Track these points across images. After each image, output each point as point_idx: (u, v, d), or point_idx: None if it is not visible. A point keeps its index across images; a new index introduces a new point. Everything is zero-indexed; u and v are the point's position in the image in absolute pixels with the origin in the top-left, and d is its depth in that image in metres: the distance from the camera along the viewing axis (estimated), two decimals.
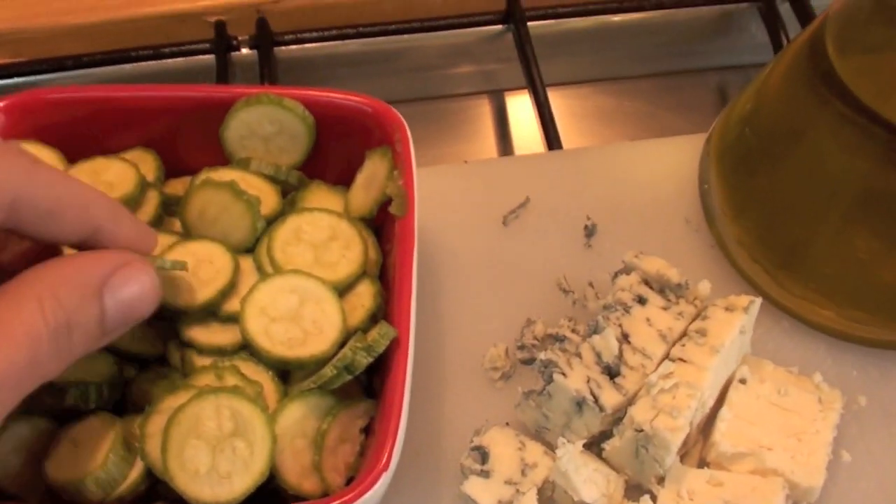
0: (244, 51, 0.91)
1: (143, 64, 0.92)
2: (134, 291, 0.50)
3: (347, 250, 0.62)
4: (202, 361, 0.59)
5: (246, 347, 0.58)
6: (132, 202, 0.64)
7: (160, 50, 0.91)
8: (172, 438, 0.54)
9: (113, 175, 0.65)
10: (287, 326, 0.58)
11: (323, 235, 0.63)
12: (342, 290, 0.61)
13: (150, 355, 0.60)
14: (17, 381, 0.45)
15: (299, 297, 0.59)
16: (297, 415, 0.56)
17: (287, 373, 0.59)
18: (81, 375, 0.57)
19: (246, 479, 0.53)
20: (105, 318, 0.49)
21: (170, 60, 0.92)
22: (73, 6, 0.93)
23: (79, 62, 0.91)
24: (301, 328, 0.58)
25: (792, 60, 0.70)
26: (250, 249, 0.63)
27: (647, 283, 0.66)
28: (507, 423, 0.65)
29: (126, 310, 0.50)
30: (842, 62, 0.64)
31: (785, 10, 0.93)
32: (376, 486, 0.53)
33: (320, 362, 0.57)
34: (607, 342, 0.62)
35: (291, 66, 0.91)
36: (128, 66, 0.92)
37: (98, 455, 0.55)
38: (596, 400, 0.61)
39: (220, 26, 0.91)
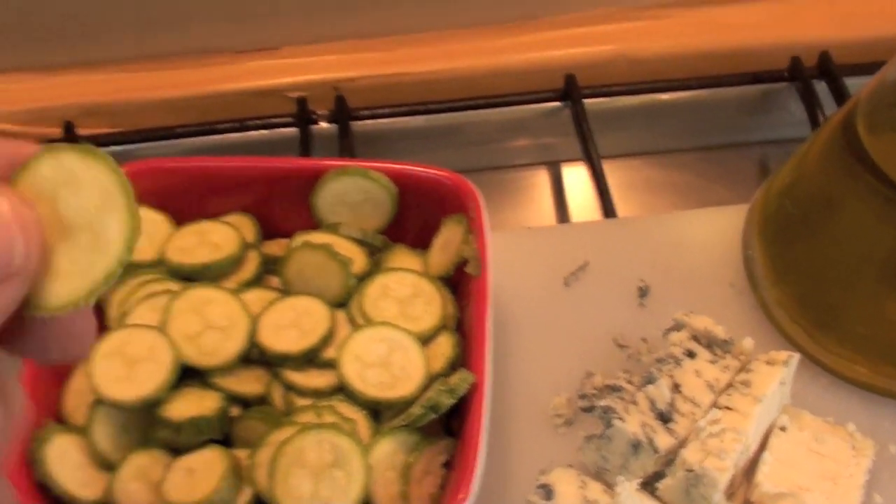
0: (323, 124, 0.99)
1: (229, 135, 0.99)
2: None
3: (429, 305, 0.69)
4: (302, 402, 0.66)
5: (342, 389, 0.66)
6: (236, 261, 0.72)
7: (245, 122, 0.99)
8: (279, 468, 0.61)
9: (218, 237, 0.72)
10: (378, 371, 0.65)
11: (407, 292, 0.70)
12: (425, 340, 0.68)
13: (254, 396, 0.67)
14: None
15: (388, 345, 0.66)
16: (388, 449, 0.63)
17: (377, 412, 0.66)
18: (194, 412, 0.64)
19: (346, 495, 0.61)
20: None
21: (254, 133, 0.99)
22: (166, 82, 1.00)
23: (170, 133, 0.99)
24: (390, 373, 0.65)
25: (827, 138, 0.76)
26: (343, 304, 0.70)
27: (695, 339, 0.73)
28: (570, 465, 0.72)
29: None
30: (871, 140, 0.71)
31: (821, 88, 0.99)
32: None
33: (407, 403, 0.64)
34: (661, 391, 0.69)
35: (366, 138, 0.98)
36: (215, 137, 0.99)
37: (211, 481, 0.62)
38: (651, 442, 0.67)
39: (301, 102, 0.99)
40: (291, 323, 0.67)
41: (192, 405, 0.64)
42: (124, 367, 0.65)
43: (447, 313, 0.70)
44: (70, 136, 0.97)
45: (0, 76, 1.00)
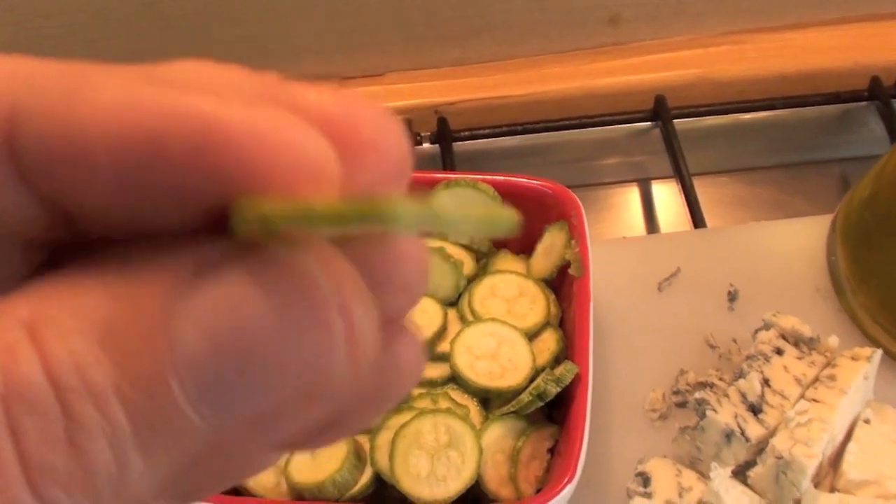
0: (426, 145, 1.05)
1: None
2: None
3: (534, 304, 0.75)
4: (417, 391, 0.72)
5: (454, 379, 0.71)
6: None
7: None
8: (399, 449, 0.66)
9: None
10: (488, 363, 0.71)
11: (513, 292, 0.76)
12: (531, 335, 0.73)
13: None
14: None
15: (497, 339, 0.72)
16: (498, 434, 0.69)
17: (487, 401, 0.72)
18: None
19: (458, 482, 0.66)
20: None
21: None
22: None
23: None
24: (499, 364, 0.71)
25: None
26: (454, 303, 0.76)
27: (783, 337, 0.78)
28: (665, 455, 0.77)
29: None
30: None
31: None
32: (561, 495, 0.64)
33: (515, 392, 0.70)
34: (751, 384, 0.74)
35: (466, 157, 1.04)
36: None
37: (335, 463, 0.68)
38: (742, 432, 0.72)
39: (405, 125, 1.05)
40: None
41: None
42: None
43: (551, 312, 0.75)
44: None
45: None
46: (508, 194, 0.79)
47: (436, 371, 0.72)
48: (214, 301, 0.22)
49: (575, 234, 0.76)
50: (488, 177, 0.79)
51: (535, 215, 0.80)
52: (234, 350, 0.22)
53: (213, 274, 0.22)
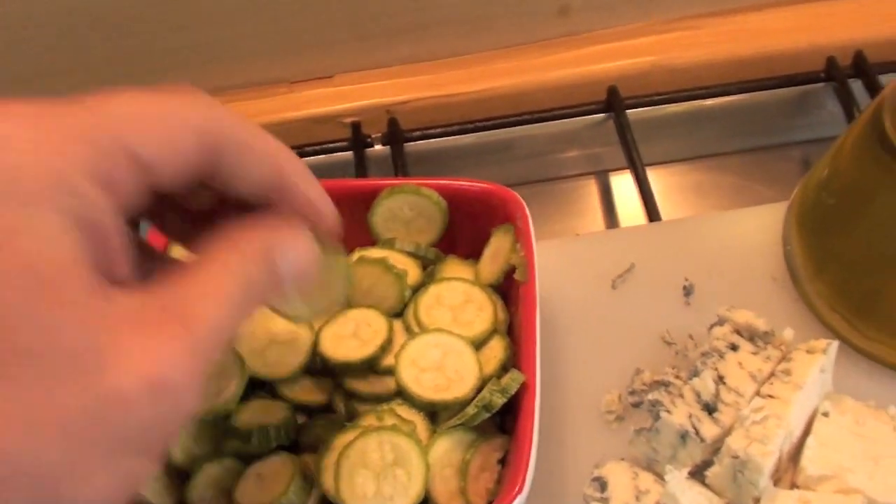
0: (377, 147, 1.03)
1: None
2: (300, 262, 0.51)
3: (481, 311, 0.73)
4: (363, 407, 0.70)
5: (400, 394, 0.70)
6: None
7: (303, 149, 1.03)
8: (344, 469, 0.65)
9: None
10: (434, 375, 0.69)
11: (459, 300, 0.74)
12: (478, 344, 0.72)
13: (318, 404, 0.72)
14: (222, 333, 0.46)
15: (443, 350, 0.70)
16: (446, 447, 0.67)
17: (434, 414, 0.70)
18: (262, 420, 0.68)
19: (405, 500, 0.64)
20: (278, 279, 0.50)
21: (311, 158, 1.04)
22: None
23: None
24: (445, 376, 0.69)
25: (858, 133, 0.79)
26: (399, 314, 0.75)
27: (738, 332, 0.76)
28: (622, 458, 0.75)
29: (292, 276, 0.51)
30: None
31: (857, 87, 1.02)
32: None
33: (462, 404, 0.68)
34: (705, 383, 0.72)
35: (419, 157, 1.03)
36: None
37: (280, 485, 0.66)
38: (697, 432, 0.71)
39: (355, 127, 1.03)
40: (352, 333, 0.71)
41: (260, 415, 0.69)
42: None
43: (498, 318, 0.74)
44: None
45: None
46: (453, 197, 0.78)
47: (381, 386, 0.71)
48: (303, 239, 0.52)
49: (520, 237, 0.75)
50: (430, 181, 0.78)
51: (482, 218, 0.78)
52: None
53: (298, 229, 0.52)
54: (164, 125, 0.46)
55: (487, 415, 0.67)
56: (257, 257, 0.49)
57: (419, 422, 0.69)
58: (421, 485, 0.65)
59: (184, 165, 0.47)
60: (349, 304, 0.74)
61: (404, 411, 0.69)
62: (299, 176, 0.53)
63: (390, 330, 0.72)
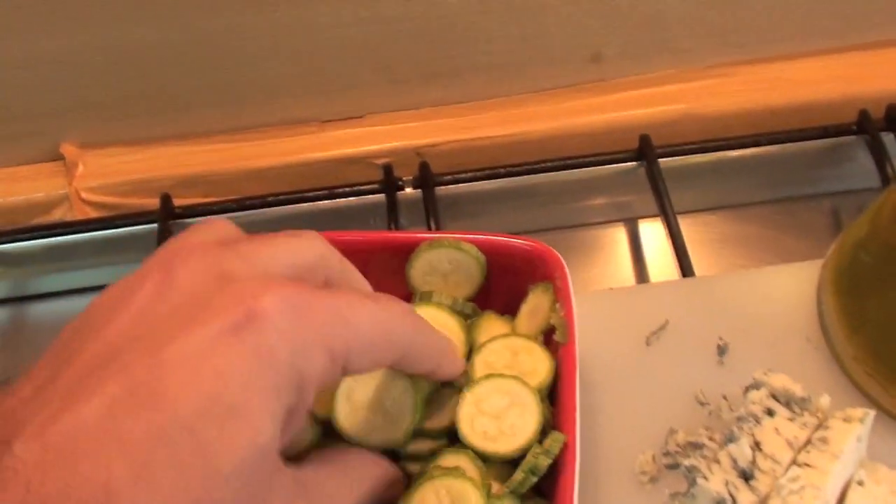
0: (408, 190, 1.04)
1: (319, 203, 1.04)
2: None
3: (536, 361, 0.73)
4: (412, 466, 0.70)
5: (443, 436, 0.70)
6: None
7: (334, 190, 1.03)
8: None
9: None
10: (488, 421, 0.69)
11: (508, 358, 0.74)
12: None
13: None
14: None
15: (510, 400, 0.70)
16: None
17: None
18: None
19: None
20: None
21: (342, 200, 1.04)
22: (256, 153, 1.05)
23: (263, 202, 1.04)
24: (499, 427, 0.69)
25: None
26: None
27: (774, 397, 0.76)
28: None
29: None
30: None
31: (889, 140, 1.02)
32: None
33: (503, 459, 0.68)
34: (742, 450, 0.72)
35: (449, 201, 1.02)
36: (305, 205, 1.04)
37: None
38: (734, 500, 0.71)
39: (387, 169, 1.03)
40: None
41: None
42: None
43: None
44: (166, 206, 1.02)
45: (99, 150, 1.06)
46: (492, 253, 0.78)
47: (434, 422, 0.71)
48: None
49: (560, 296, 0.74)
50: (470, 236, 0.78)
51: (521, 274, 0.78)
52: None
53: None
54: (380, 345, 0.56)
55: (535, 479, 0.67)
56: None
57: (466, 464, 0.68)
58: None
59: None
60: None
61: (448, 460, 0.69)
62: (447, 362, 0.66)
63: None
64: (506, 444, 0.69)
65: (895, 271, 0.79)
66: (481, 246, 0.78)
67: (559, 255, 0.76)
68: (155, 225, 1.02)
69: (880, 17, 1.06)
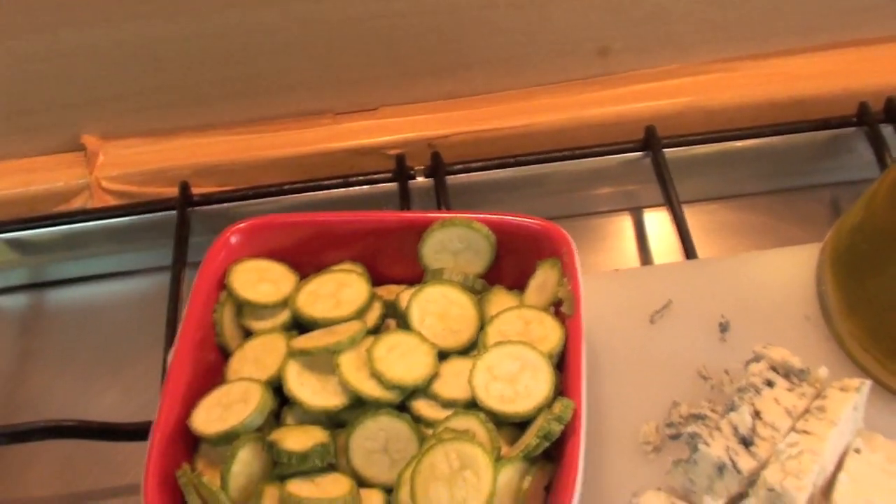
0: (420, 179, 1.06)
1: (333, 191, 1.06)
2: None
3: (547, 329, 0.76)
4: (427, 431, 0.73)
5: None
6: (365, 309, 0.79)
7: (348, 179, 1.06)
8: (418, 484, 0.68)
9: (349, 288, 0.80)
10: (503, 386, 0.72)
11: (520, 326, 0.77)
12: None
13: None
14: None
15: (521, 364, 0.73)
16: (509, 476, 0.69)
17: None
18: (314, 441, 0.71)
19: (478, 499, 0.67)
20: None
21: (356, 188, 1.06)
22: (273, 143, 1.08)
23: (279, 190, 1.06)
24: (514, 389, 0.72)
25: (893, 179, 0.82)
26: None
27: (774, 369, 0.79)
28: (659, 488, 0.78)
29: None
30: None
31: (888, 132, 1.05)
32: None
33: (520, 419, 0.71)
34: (742, 417, 0.75)
35: (459, 190, 1.05)
36: (320, 194, 1.06)
37: (339, 489, 0.69)
38: (734, 465, 0.73)
39: (400, 159, 1.06)
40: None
41: (304, 439, 0.72)
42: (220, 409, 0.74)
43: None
44: (185, 194, 1.05)
45: (120, 141, 1.09)
46: (501, 232, 0.81)
47: (447, 390, 0.74)
48: None
49: (567, 271, 0.77)
50: (481, 215, 0.81)
51: (528, 252, 0.81)
52: None
53: None
54: None
55: (548, 444, 0.70)
56: None
57: (477, 428, 0.71)
58: (490, 482, 0.67)
59: None
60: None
61: (458, 423, 0.71)
62: None
63: (436, 366, 0.75)
64: (522, 405, 0.71)
65: (889, 254, 0.81)
66: (491, 225, 0.81)
67: (566, 233, 0.79)
68: (173, 212, 1.04)
69: (879, 12, 1.08)
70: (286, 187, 1.06)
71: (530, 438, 0.70)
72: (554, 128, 1.08)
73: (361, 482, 0.72)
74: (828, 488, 0.75)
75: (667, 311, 0.88)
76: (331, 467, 0.72)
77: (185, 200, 1.05)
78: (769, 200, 1.09)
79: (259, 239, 0.82)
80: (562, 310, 0.76)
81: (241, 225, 0.82)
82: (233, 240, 0.82)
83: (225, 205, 1.07)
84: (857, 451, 0.76)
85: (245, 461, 0.71)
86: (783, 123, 1.07)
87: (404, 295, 0.79)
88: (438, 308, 0.78)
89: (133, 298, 1.08)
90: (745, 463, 0.73)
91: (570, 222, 1.06)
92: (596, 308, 0.88)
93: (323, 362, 0.75)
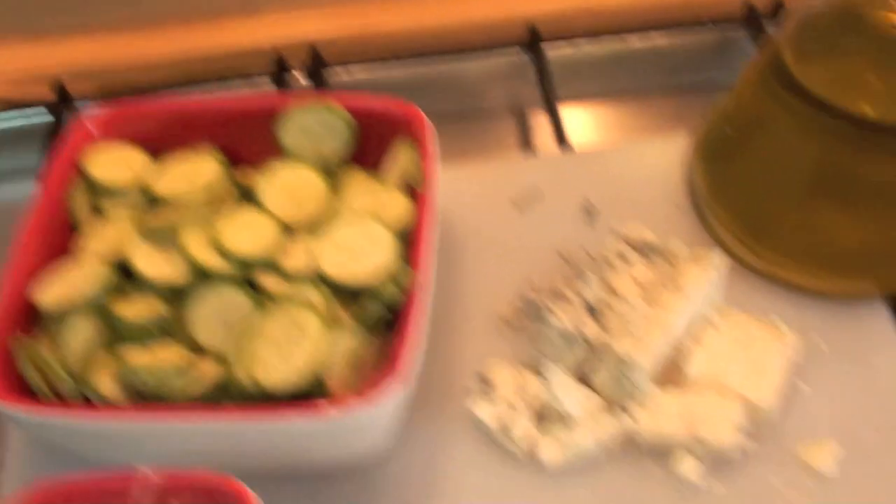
0: (301, 80, 1.05)
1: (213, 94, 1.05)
2: None
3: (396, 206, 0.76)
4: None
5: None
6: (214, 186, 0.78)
7: (226, 80, 1.05)
8: (249, 349, 0.67)
9: (200, 168, 0.79)
10: (346, 256, 0.72)
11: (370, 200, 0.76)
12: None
13: None
14: None
15: (366, 236, 0.73)
16: (346, 344, 0.69)
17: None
18: (156, 310, 0.71)
19: (310, 362, 0.66)
20: None
21: (232, 86, 1.05)
22: (151, 44, 1.07)
23: (156, 92, 1.03)
24: (355, 259, 0.71)
25: (759, 66, 0.82)
26: None
27: (630, 245, 0.78)
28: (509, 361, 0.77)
29: None
30: (798, 66, 0.77)
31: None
32: (387, 394, 0.64)
33: (358, 285, 0.71)
34: (590, 286, 0.75)
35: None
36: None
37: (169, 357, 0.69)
38: (581, 334, 0.73)
39: (279, 59, 1.04)
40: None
41: (142, 309, 0.71)
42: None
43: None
44: (63, 97, 1.03)
45: None
46: (359, 113, 0.80)
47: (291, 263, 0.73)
48: None
49: (421, 151, 0.76)
50: (339, 97, 0.80)
51: (388, 135, 0.80)
52: None
53: None
54: None
55: (381, 309, 0.69)
56: None
57: (314, 296, 0.70)
58: (322, 346, 0.67)
59: None
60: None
61: (299, 294, 0.71)
62: None
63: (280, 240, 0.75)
64: (361, 271, 0.70)
65: (753, 141, 0.82)
66: (349, 105, 0.79)
67: (420, 111, 0.78)
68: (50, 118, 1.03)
69: None
70: (164, 90, 1.05)
71: (370, 305, 0.69)
72: (438, 28, 1.07)
73: (199, 352, 0.71)
74: (681, 360, 0.75)
75: (535, 199, 0.88)
76: (169, 338, 0.71)
77: (62, 101, 1.03)
78: (655, 102, 1.08)
79: (115, 124, 0.81)
80: (413, 185, 0.75)
81: (97, 110, 0.81)
82: (88, 124, 0.81)
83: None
84: (713, 324, 0.76)
85: (82, 331, 0.70)
86: (669, 24, 1.07)
87: (258, 176, 0.78)
88: (288, 186, 0.77)
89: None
90: (593, 332, 0.73)
91: (454, 123, 1.05)
92: (464, 196, 0.88)
93: (170, 240, 0.73)
